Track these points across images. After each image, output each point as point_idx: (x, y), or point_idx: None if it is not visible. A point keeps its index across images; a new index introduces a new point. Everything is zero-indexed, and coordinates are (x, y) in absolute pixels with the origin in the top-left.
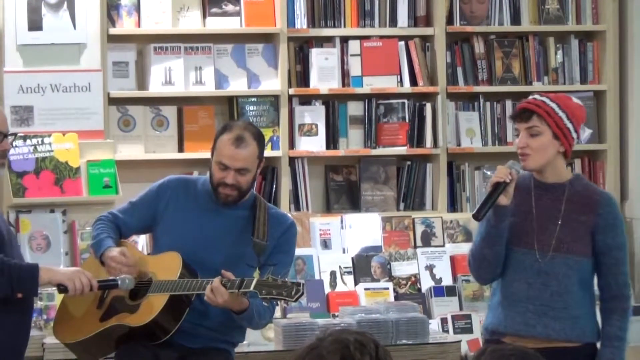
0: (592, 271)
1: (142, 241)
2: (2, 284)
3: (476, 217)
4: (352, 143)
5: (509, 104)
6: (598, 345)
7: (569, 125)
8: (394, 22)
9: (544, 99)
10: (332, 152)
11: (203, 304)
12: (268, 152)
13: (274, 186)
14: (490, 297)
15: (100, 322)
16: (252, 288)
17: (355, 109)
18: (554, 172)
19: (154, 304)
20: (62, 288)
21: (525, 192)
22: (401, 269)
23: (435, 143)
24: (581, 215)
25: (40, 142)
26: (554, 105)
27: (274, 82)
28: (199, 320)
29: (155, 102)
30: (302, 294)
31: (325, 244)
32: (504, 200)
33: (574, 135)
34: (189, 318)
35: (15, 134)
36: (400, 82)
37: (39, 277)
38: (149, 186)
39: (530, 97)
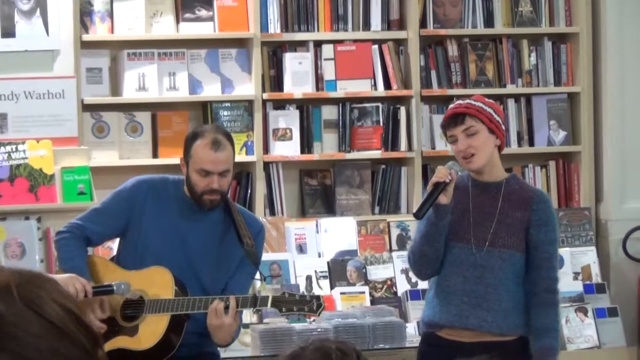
0: (525, 267)
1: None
2: None
3: (417, 215)
4: (327, 147)
5: None
6: (530, 338)
7: (498, 119)
8: (367, 26)
9: (469, 100)
10: (306, 157)
11: None
12: (242, 157)
13: (249, 191)
14: (427, 291)
15: None
16: (269, 306)
17: (329, 113)
18: (492, 171)
19: (156, 326)
20: None
21: (464, 191)
22: (377, 272)
23: (409, 146)
24: (516, 211)
25: (14, 150)
26: (480, 104)
27: (247, 87)
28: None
29: (129, 108)
30: (324, 307)
31: (301, 249)
32: (444, 199)
33: (503, 127)
34: None
35: None
36: (374, 85)
37: None
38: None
39: (454, 103)
